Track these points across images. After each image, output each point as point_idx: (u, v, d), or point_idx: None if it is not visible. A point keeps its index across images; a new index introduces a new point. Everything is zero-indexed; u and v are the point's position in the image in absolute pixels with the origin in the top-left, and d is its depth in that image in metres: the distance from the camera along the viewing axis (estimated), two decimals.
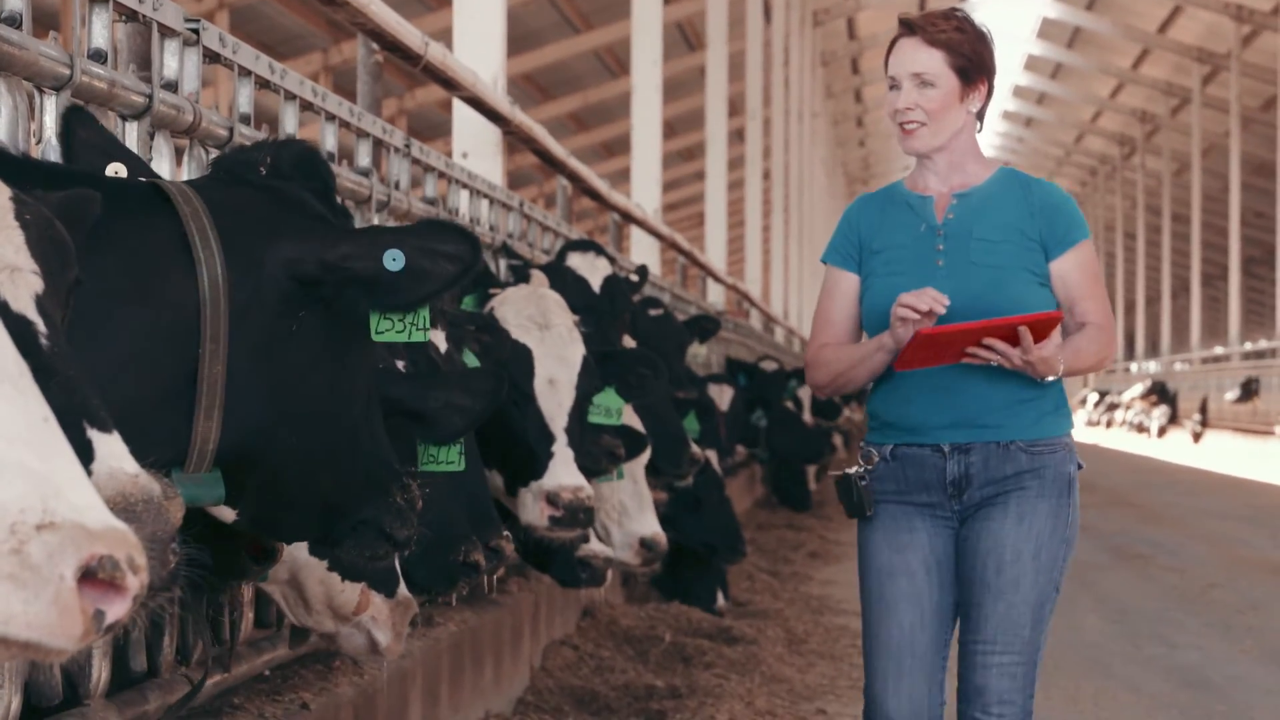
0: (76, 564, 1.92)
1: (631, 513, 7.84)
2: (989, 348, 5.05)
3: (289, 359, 3.41)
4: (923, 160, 5.36)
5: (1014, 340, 5.05)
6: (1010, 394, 5.23)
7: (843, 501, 5.39)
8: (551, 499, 5.85)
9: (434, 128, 33.25)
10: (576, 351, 6.32)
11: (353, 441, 3.58)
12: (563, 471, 5.99)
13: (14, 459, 1.90)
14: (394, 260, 3.41)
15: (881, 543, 5.33)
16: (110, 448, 2.19)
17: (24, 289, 2.27)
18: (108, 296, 3.16)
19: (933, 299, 5.05)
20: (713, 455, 11.57)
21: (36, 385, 2.00)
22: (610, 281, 8.24)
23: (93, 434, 2.19)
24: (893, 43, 5.31)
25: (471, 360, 5.82)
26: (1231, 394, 42.64)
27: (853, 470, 5.35)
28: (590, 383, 6.34)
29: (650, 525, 7.87)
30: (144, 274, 3.26)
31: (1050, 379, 5.18)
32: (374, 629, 4.73)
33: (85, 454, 2.13)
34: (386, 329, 3.52)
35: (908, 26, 5.27)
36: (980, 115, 5.36)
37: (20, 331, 2.20)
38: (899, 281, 5.21)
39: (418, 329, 3.54)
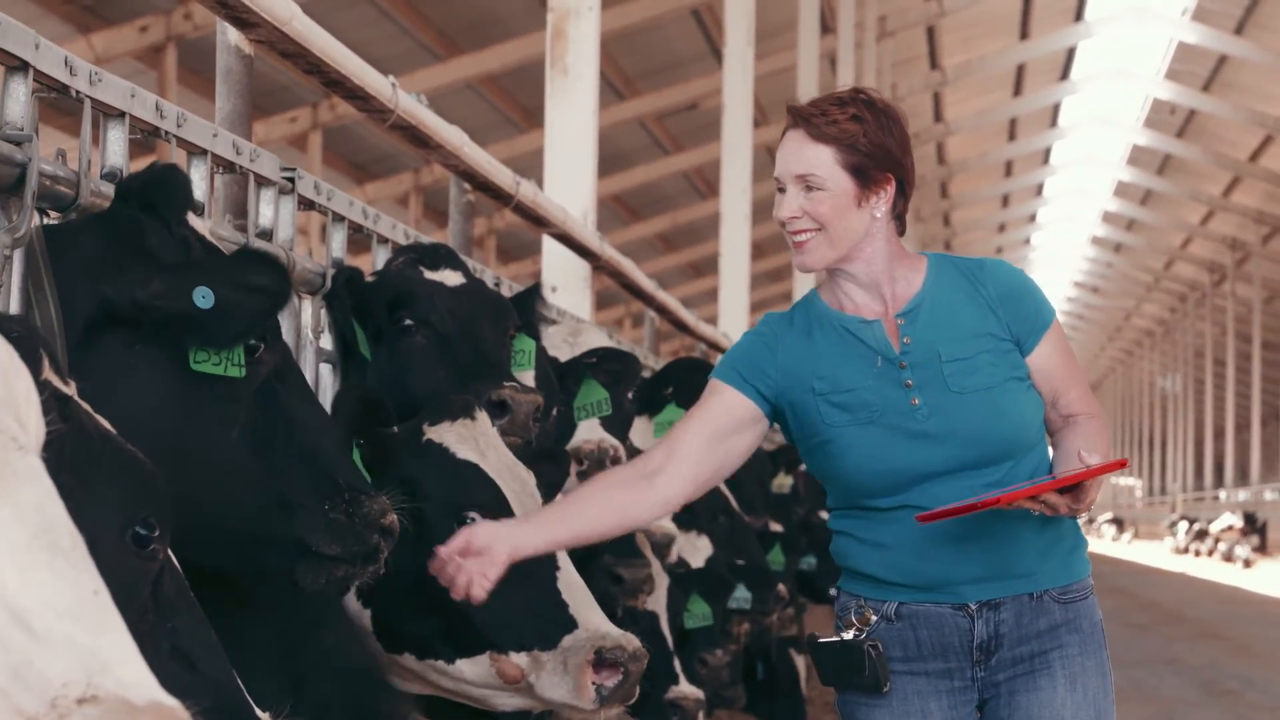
0: None
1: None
2: (1042, 501, 4.14)
3: (136, 399, 3.29)
4: (833, 273, 4.43)
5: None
6: (1040, 534, 4.35)
7: (830, 669, 4.43)
8: (575, 455, 5.82)
9: (523, 247, 33.49)
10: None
11: (239, 466, 3.40)
12: (582, 430, 6.07)
13: (62, 633, 1.88)
14: (204, 298, 3.29)
15: None
16: None
17: None
18: None
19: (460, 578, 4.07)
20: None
21: (90, 558, 2.00)
22: None
23: None
24: (783, 134, 4.39)
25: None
26: None
27: (850, 635, 4.38)
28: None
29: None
30: None
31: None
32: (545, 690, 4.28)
33: None
34: (204, 360, 3.38)
35: (794, 116, 4.35)
36: (898, 218, 4.41)
37: None
38: (875, 433, 4.28)
39: (234, 364, 3.39)
